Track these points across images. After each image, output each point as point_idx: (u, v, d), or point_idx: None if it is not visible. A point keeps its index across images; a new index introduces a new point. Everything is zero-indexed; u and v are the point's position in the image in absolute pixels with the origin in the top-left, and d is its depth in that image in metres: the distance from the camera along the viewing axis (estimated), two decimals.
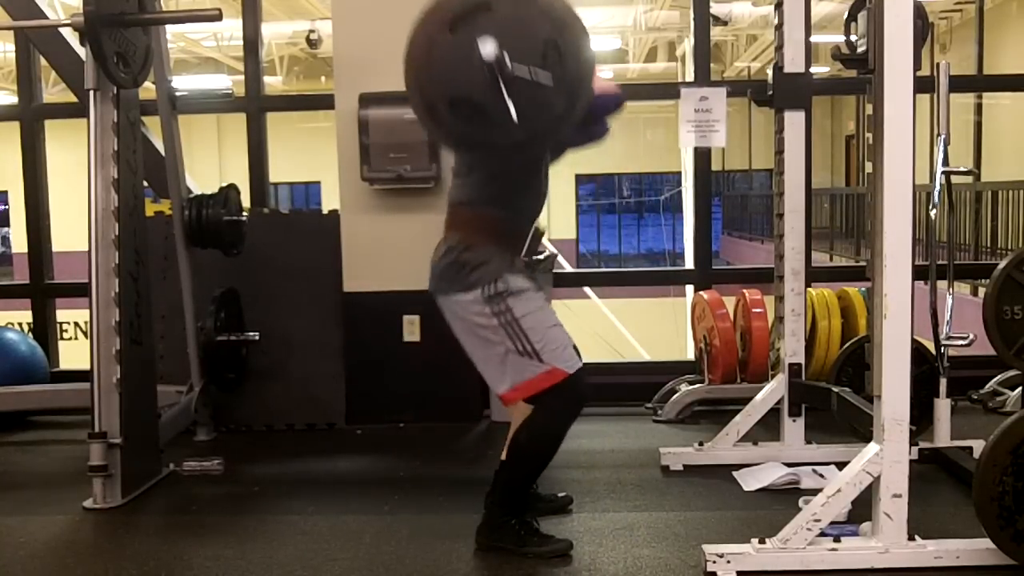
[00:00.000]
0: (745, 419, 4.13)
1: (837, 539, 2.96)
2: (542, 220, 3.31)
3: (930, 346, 3.84)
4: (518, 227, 3.21)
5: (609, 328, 14.17)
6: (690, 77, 6.01)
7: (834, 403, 3.82)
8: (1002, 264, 3.96)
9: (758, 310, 4.92)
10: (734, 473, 3.96)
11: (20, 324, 6.51)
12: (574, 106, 2.83)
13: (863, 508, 3.02)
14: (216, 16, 3.96)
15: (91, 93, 3.71)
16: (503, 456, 3.26)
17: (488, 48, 2.65)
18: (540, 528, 3.24)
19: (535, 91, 2.71)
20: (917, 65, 2.89)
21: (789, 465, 3.94)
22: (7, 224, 22.57)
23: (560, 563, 3.11)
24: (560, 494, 3.65)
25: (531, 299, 3.16)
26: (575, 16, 2.82)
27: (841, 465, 3.06)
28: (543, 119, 2.80)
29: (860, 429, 3.60)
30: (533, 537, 3.20)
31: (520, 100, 2.70)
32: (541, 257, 4.50)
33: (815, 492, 3.08)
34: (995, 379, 5.02)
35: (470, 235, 3.16)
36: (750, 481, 3.86)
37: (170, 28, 5.02)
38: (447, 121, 2.84)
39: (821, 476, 3.83)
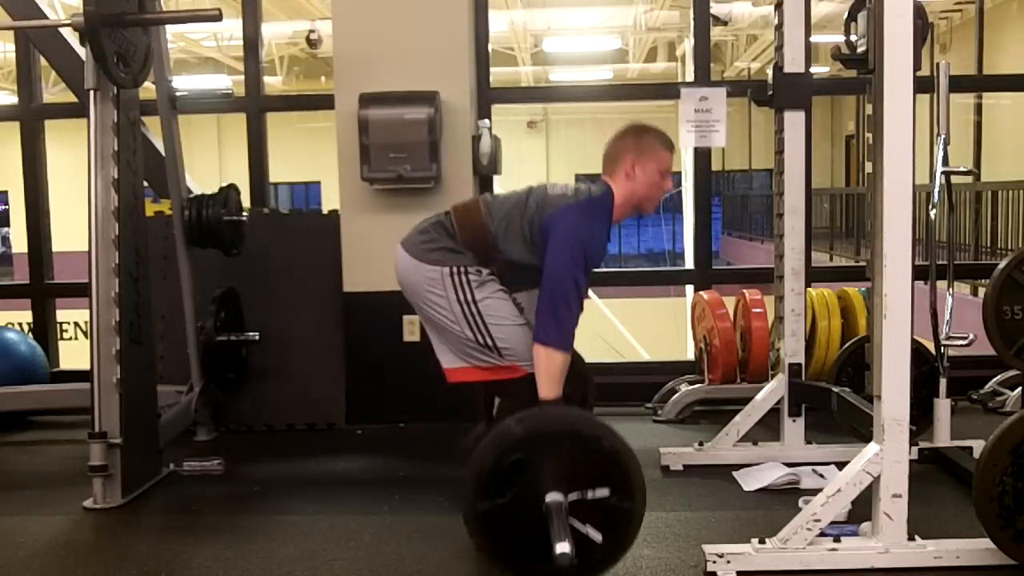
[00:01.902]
0: (745, 419, 4.13)
1: (837, 539, 2.96)
2: None
3: (930, 346, 3.84)
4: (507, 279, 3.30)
5: (609, 328, 14.17)
6: (690, 77, 6.02)
7: (834, 403, 3.82)
8: (1002, 264, 3.96)
9: (758, 310, 4.91)
10: (734, 473, 3.96)
11: (20, 324, 6.50)
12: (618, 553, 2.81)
13: (863, 508, 3.02)
14: (216, 16, 3.95)
15: (91, 93, 3.71)
16: None
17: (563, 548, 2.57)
18: None
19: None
20: (917, 65, 2.88)
21: (789, 465, 3.95)
22: (7, 224, 22.57)
23: None
24: None
25: (497, 292, 3.26)
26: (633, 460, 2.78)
27: (841, 465, 3.06)
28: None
29: (860, 429, 3.60)
30: None
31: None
32: None
33: (815, 492, 3.09)
34: (995, 379, 5.02)
35: (463, 231, 3.26)
36: (750, 481, 3.86)
37: (170, 28, 5.02)
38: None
39: (821, 476, 3.84)
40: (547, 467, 2.66)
